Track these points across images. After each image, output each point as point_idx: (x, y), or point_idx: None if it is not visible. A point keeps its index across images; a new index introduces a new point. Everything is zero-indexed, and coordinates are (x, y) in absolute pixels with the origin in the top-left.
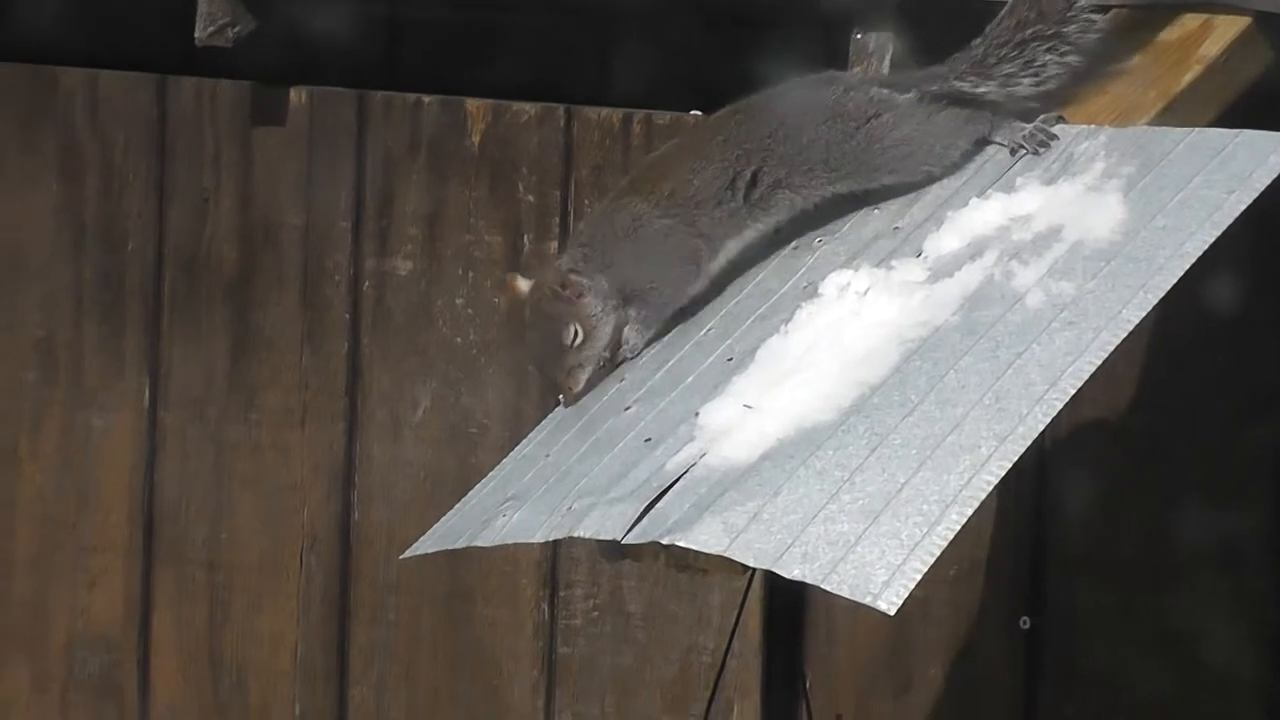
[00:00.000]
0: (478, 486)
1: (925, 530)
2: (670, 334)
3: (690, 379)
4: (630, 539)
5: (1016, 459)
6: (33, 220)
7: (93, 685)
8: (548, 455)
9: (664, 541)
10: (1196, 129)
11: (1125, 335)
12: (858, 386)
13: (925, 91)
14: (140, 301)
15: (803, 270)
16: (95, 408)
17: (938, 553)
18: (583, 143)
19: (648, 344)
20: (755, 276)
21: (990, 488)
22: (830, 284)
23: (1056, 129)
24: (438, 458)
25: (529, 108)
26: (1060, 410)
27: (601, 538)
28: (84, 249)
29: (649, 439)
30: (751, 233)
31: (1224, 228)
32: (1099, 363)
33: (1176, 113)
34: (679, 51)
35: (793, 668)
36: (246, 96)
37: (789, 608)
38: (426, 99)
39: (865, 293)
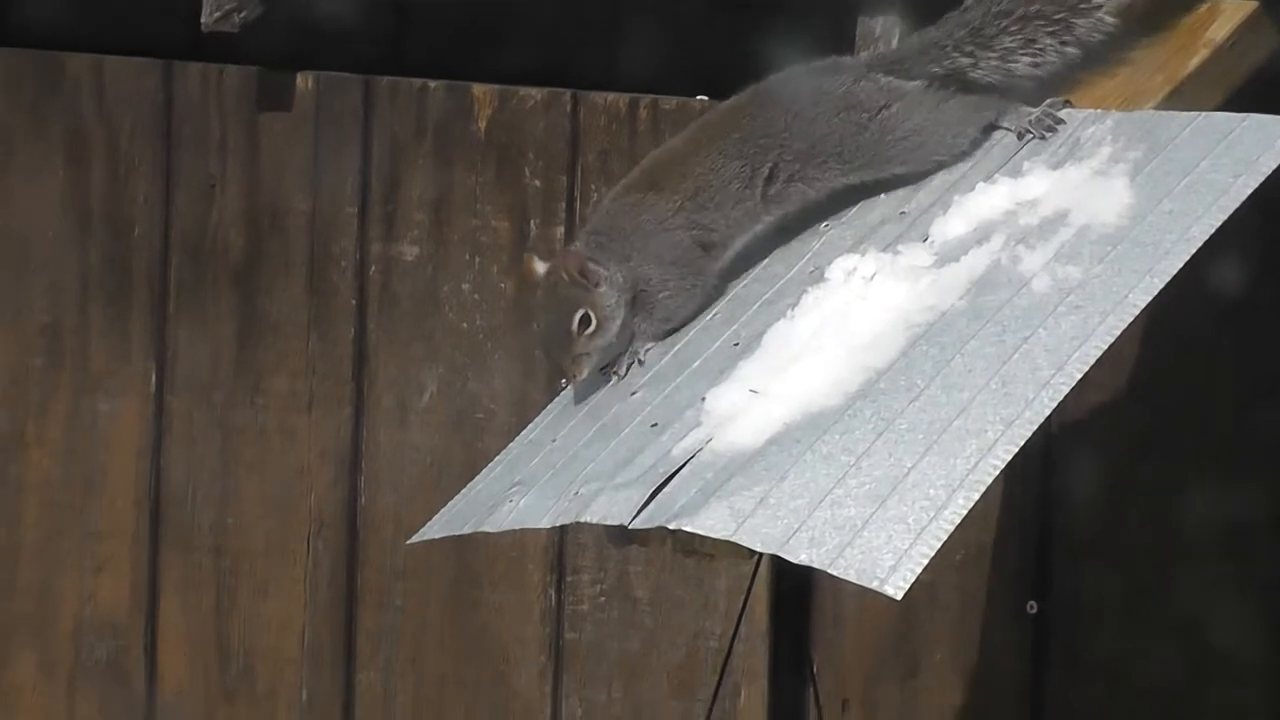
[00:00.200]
0: (484, 472)
1: (932, 515)
2: None
3: (697, 364)
4: (637, 524)
5: (1023, 443)
6: (39, 206)
7: (100, 671)
8: (554, 440)
9: (671, 526)
10: (1203, 113)
11: (1132, 319)
12: (864, 371)
13: (932, 76)
14: (146, 287)
15: (809, 255)
16: (102, 393)
17: (944, 537)
18: (589, 128)
19: (648, 352)
20: (762, 261)
21: (997, 472)
22: (837, 269)
23: (1063, 113)
24: (444, 443)
25: (535, 93)
26: (1067, 394)
27: (608, 523)
28: (90, 234)
29: (655, 424)
30: (761, 226)
31: (1231, 211)
32: (1105, 347)
33: (1183, 97)
34: (685, 36)
35: (799, 652)
36: (253, 82)
37: (796, 592)
38: (432, 84)
39: (872, 277)
